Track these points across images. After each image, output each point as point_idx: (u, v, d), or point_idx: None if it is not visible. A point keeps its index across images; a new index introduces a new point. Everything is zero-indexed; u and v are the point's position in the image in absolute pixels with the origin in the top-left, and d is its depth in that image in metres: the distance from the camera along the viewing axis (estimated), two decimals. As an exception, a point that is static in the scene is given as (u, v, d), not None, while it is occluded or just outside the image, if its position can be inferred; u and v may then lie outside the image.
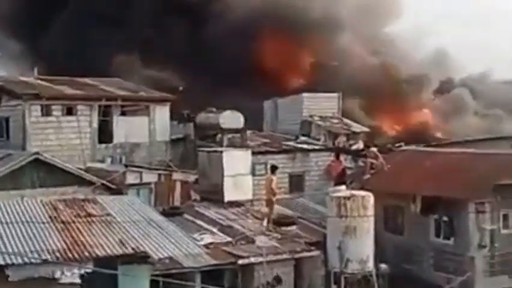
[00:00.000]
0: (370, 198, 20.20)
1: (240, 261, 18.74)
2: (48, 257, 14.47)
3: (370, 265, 19.73)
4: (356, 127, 30.11)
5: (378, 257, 20.15)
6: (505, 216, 20.93)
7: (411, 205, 21.58)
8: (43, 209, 17.24)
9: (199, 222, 21.41)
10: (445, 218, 21.12)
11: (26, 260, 14.20)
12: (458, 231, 20.78)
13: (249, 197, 23.63)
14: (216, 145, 26.39)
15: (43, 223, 15.98)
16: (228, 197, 23.20)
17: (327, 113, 30.48)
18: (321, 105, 30.56)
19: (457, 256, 20.50)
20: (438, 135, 33.61)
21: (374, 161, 24.40)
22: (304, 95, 30.38)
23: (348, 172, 26.46)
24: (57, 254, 14.75)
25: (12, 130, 24.37)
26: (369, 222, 19.95)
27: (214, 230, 20.86)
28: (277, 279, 18.95)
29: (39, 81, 26.84)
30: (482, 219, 20.41)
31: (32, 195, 18.99)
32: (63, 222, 16.38)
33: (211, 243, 19.47)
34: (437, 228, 21.36)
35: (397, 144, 28.61)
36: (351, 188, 22.01)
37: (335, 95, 31.08)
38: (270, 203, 22.28)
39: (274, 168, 22.99)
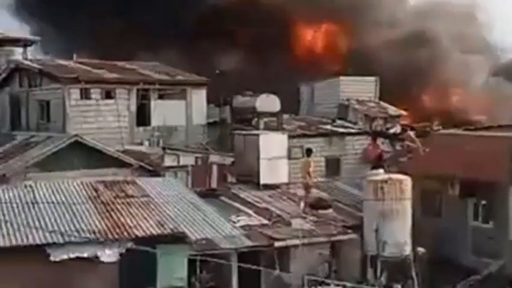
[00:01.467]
0: (407, 181, 20.08)
1: (277, 244, 18.85)
2: (89, 236, 14.72)
3: (407, 249, 19.65)
4: (393, 110, 29.78)
5: (416, 241, 20.02)
6: (545, 201, 20.58)
7: (450, 189, 21.38)
8: (83, 190, 17.54)
9: (235, 204, 21.59)
10: (484, 202, 20.85)
11: (66, 239, 14.48)
12: (497, 215, 20.52)
13: (285, 180, 23.70)
14: (252, 128, 26.44)
15: (83, 204, 16.27)
16: (263, 180, 23.32)
17: (363, 97, 30.22)
18: (357, 88, 30.31)
19: (495, 240, 20.24)
20: (482, 118, 32.87)
21: (411, 144, 24.17)
22: (341, 78, 30.14)
23: (386, 156, 26.27)
24: (98, 235, 15.00)
25: (52, 113, 24.75)
26: (407, 206, 19.86)
27: (251, 212, 21.01)
28: None
29: (78, 65, 27.20)
30: (522, 203, 20.10)
31: (73, 177, 19.33)
32: (103, 203, 16.65)
33: (247, 225, 19.63)
34: (475, 212, 21.14)
35: (435, 128, 28.25)
36: (389, 172, 21.85)
37: (372, 78, 30.77)
38: (306, 186, 22.31)
39: (309, 152, 23.01)
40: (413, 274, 19.28)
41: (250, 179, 23.48)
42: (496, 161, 20.69)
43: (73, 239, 14.61)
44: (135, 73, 27.21)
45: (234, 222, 19.30)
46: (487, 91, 35.30)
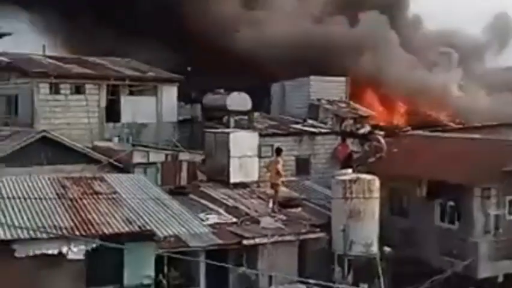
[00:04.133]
0: (375, 181, 20.31)
1: (245, 242, 18.91)
2: (56, 233, 14.57)
3: (374, 248, 19.87)
4: (363, 111, 30.05)
5: (383, 240, 20.25)
6: (511, 202, 20.96)
7: (417, 189, 21.63)
8: (51, 186, 17.34)
9: (204, 202, 21.58)
10: (451, 203, 21.18)
11: (32, 235, 14.30)
12: (463, 216, 20.85)
13: (255, 178, 23.75)
14: (222, 127, 26.42)
15: (50, 199, 16.08)
16: (233, 178, 23.34)
17: (334, 97, 30.43)
18: (328, 88, 30.49)
19: (461, 240, 20.56)
20: (446, 119, 33.36)
21: (377, 144, 24.44)
22: (312, 78, 30.26)
23: (355, 156, 26.49)
24: (65, 231, 14.84)
25: (20, 107, 24.46)
26: (374, 205, 20.08)
27: (220, 210, 21.02)
28: None
29: (48, 59, 26.89)
30: (487, 204, 20.44)
31: (40, 173, 19.10)
32: (70, 199, 16.47)
33: (216, 223, 19.64)
34: (442, 212, 21.45)
35: (404, 129, 28.57)
36: (358, 172, 22.06)
37: (343, 78, 30.98)
38: (275, 185, 22.39)
39: (279, 151, 23.08)
40: (380, 273, 19.48)
41: (221, 177, 23.49)
42: (462, 162, 21.02)
43: (39, 235, 14.43)
44: (105, 68, 27.03)
45: (203, 220, 19.26)
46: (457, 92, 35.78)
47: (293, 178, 25.42)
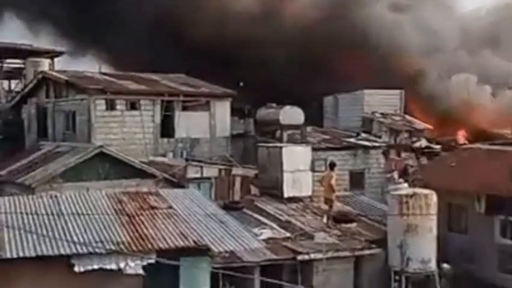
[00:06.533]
0: (433, 196, 19.85)
1: (300, 257, 18.74)
2: (113, 248, 14.75)
3: (432, 265, 19.41)
4: (419, 124, 29.56)
5: (441, 257, 19.77)
6: None
7: (476, 204, 21.06)
8: (108, 201, 17.61)
9: (258, 217, 21.51)
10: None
11: (91, 250, 14.52)
12: (525, 232, 20.18)
13: (309, 193, 23.57)
14: (275, 141, 26.40)
15: (108, 215, 16.33)
16: (287, 193, 23.21)
17: (388, 110, 30.06)
18: (382, 101, 30.15)
19: (523, 258, 19.90)
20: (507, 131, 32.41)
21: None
22: (366, 91, 30.01)
23: (411, 170, 26.05)
24: (122, 246, 15.03)
25: (78, 123, 25.02)
26: (432, 221, 19.62)
27: (274, 225, 20.91)
28: None
29: (103, 76, 27.48)
30: (551, 220, 19.76)
31: (97, 188, 19.46)
32: (127, 215, 16.70)
33: (270, 238, 19.53)
34: (503, 228, 20.77)
35: (461, 142, 27.96)
36: (414, 186, 21.64)
37: (397, 91, 30.61)
38: (329, 200, 22.18)
39: (332, 165, 22.84)
40: (438, 291, 19.03)
41: (274, 191, 23.41)
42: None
43: (97, 250, 14.65)
44: (159, 84, 27.42)
45: (256, 235, 19.23)
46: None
47: (347, 193, 25.14)
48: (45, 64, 29.96)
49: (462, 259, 20.56)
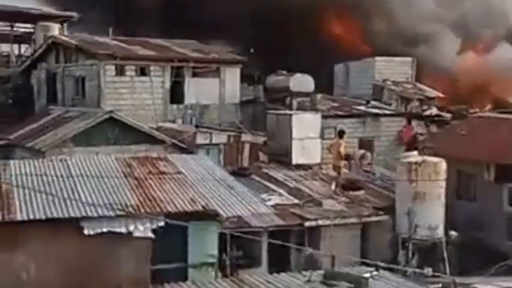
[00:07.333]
0: (442, 163, 19.80)
1: (307, 223, 18.83)
2: (123, 210, 14.82)
3: (439, 232, 19.44)
4: (430, 92, 29.33)
5: (449, 224, 19.80)
6: None
7: (485, 172, 21.01)
8: (117, 165, 17.62)
9: (267, 183, 21.58)
10: (521, 187, 20.50)
11: (100, 212, 14.60)
12: (534, 201, 20.15)
13: (317, 160, 23.60)
14: (285, 108, 26.33)
15: (117, 178, 16.38)
16: (296, 160, 23.25)
17: (400, 78, 29.82)
18: (394, 69, 29.90)
19: (531, 226, 19.91)
20: None
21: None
22: (377, 58, 29.79)
23: (420, 138, 25.96)
24: (131, 209, 15.07)
25: (87, 89, 25.04)
26: (440, 188, 19.60)
27: (282, 191, 20.98)
28: None
29: (113, 42, 27.37)
30: (560, 189, 19.70)
31: (106, 152, 19.52)
32: (136, 178, 16.71)
33: (278, 205, 19.61)
34: (511, 197, 20.75)
35: (472, 110, 27.77)
36: (423, 154, 21.57)
37: (409, 59, 30.33)
38: (337, 168, 22.19)
39: (341, 133, 22.81)
40: (445, 257, 19.08)
41: (283, 158, 23.45)
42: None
43: (106, 212, 14.72)
44: (169, 50, 27.30)
45: (264, 201, 19.28)
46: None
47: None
48: (55, 29, 29.84)
49: (470, 227, 20.59)
